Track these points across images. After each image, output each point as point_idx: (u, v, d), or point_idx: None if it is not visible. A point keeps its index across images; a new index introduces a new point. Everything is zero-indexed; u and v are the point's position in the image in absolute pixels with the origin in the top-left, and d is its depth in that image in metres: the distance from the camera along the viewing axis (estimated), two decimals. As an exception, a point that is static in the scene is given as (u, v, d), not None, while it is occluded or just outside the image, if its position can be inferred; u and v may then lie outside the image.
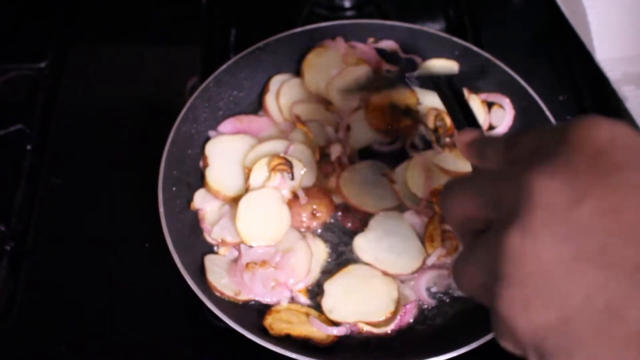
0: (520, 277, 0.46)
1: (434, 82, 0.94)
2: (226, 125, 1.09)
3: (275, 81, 1.13)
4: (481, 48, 1.13)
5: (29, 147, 1.12)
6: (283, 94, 1.11)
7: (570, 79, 1.20)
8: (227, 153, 1.04)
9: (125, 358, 0.94)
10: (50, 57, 1.23)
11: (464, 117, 0.79)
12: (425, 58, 1.14)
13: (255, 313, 0.93)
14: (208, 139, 1.07)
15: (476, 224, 0.54)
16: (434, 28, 1.26)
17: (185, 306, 0.97)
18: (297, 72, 1.14)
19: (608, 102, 1.13)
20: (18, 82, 1.21)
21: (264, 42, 1.11)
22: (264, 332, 0.89)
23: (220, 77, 1.09)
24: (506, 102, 1.09)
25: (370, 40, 1.16)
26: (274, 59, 1.13)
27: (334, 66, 1.12)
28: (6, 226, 1.02)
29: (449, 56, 1.12)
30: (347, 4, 1.34)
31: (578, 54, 1.20)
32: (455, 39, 1.12)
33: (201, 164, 1.05)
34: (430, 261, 0.96)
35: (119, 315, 0.96)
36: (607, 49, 1.14)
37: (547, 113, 1.03)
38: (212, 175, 1.02)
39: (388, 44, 1.16)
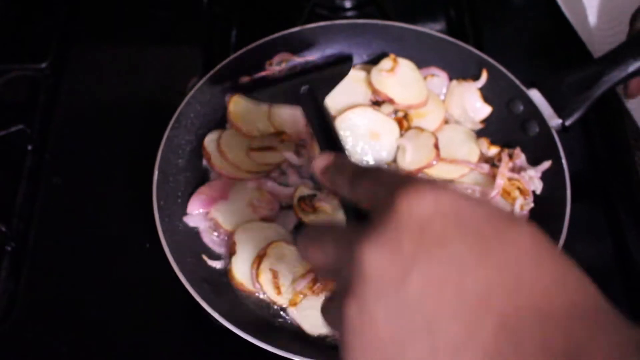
0: (360, 346, 0.47)
1: (292, 94, 0.88)
2: (194, 204, 1.02)
3: (210, 142, 1.07)
4: (481, 49, 1.13)
5: (29, 147, 1.12)
6: (228, 151, 1.05)
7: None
8: (256, 242, 0.97)
9: (125, 358, 0.94)
10: (51, 58, 1.23)
11: (325, 137, 0.74)
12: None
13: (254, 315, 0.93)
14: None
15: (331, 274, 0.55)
16: (434, 28, 1.26)
17: (186, 306, 0.97)
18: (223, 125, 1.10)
19: (608, 102, 1.13)
20: (19, 83, 1.21)
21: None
22: (261, 333, 0.88)
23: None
24: (442, 74, 1.13)
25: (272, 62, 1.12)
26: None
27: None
28: (7, 226, 1.03)
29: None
30: (347, 4, 1.35)
31: (578, 54, 1.20)
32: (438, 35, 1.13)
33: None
34: None
35: (119, 315, 0.96)
36: (607, 48, 1.14)
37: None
38: (239, 266, 0.96)
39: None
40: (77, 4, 1.32)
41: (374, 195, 0.51)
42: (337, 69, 0.99)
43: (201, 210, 1.01)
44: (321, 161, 0.62)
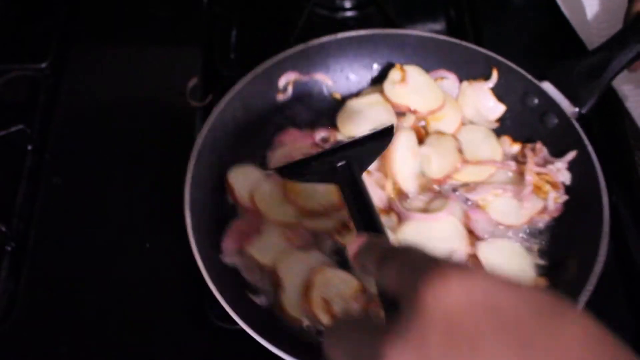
0: None
1: (329, 171, 0.82)
2: (228, 242, 0.99)
3: (234, 178, 1.02)
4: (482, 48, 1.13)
5: (29, 147, 1.12)
6: (262, 204, 1.00)
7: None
8: (299, 272, 0.95)
9: (125, 358, 0.94)
10: (51, 58, 1.23)
11: (361, 217, 0.70)
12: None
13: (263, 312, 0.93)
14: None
15: None
16: (434, 28, 1.26)
17: (186, 306, 0.97)
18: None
19: (608, 102, 1.13)
20: (19, 83, 1.21)
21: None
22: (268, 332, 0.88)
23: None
24: (452, 76, 1.12)
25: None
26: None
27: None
28: (7, 227, 1.02)
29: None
30: (347, 4, 1.34)
31: (578, 50, 1.20)
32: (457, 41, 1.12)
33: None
34: None
35: (119, 315, 0.96)
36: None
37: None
38: (289, 296, 0.93)
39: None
40: (77, 4, 1.32)
41: (401, 282, 0.46)
42: (376, 142, 0.91)
43: (236, 248, 0.98)
44: (354, 244, 0.57)
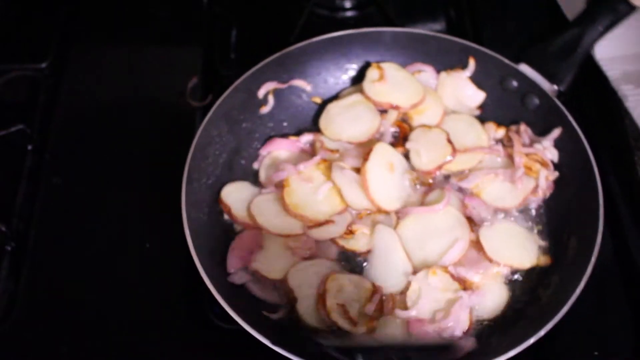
0: None
1: None
2: (232, 262, 0.98)
3: (227, 196, 1.02)
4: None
5: (29, 147, 1.12)
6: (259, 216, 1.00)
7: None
8: (310, 282, 0.96)
9: (125, 358, 0.94)
10: (51, 58, 1.23)
11: None
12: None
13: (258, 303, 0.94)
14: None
15: None
16: (434, 28, 1.26)
17: (185, 306, 0.97)
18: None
19: (607, 101, 1.13)
20: (19, 83, 1.21)
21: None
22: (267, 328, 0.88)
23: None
24: (428, 68, 1.13)
25: None
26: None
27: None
28: (7, 226, 1.03)
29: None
30: (347, 4, 1.34)
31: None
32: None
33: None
34: None
35: (119, 315, 0.96)
36: (606, 48, 1.14)
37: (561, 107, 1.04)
38: (304, 307, 0.94)
39: None
40: (77, 4, 1.33)
41: None
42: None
43: (241, 266, 0.97)
44: None
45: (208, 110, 1.03)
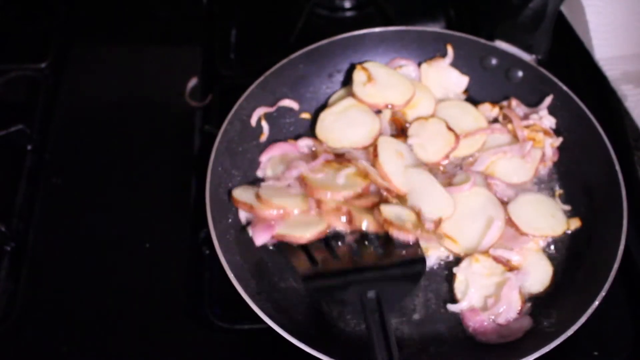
0: None
1: (357, 295, 0.87)
2: (259, 236, 0.97)
3: (241, 195, 1.01)
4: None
5: (29, 147, 1.12)
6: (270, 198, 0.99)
7: (570, 78, 1.19)
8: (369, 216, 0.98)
9: (125, 358, 0.94)
10: (51, 58, 1.23)
11: (381, 345, 0.78)
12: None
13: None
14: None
15: None
16: (434, 28, 1.26)
17: (185, 306, 0.97)
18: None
19: (607, 101, 1.13)
20: (19, 83, 1.21)
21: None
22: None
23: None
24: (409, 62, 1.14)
25: None
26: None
27: None
28: (7, 226, 1.02)
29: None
30: (347, 4, 1.35)
31: (577, 54, 1.20)
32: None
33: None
34: None
35: (119, 315, 0.96)
36: (606, 48, 1.15)
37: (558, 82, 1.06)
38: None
39: None
40: (77, 4, 1.33)
41: None
42: (406, 281, 0.94)
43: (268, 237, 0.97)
44: None
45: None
